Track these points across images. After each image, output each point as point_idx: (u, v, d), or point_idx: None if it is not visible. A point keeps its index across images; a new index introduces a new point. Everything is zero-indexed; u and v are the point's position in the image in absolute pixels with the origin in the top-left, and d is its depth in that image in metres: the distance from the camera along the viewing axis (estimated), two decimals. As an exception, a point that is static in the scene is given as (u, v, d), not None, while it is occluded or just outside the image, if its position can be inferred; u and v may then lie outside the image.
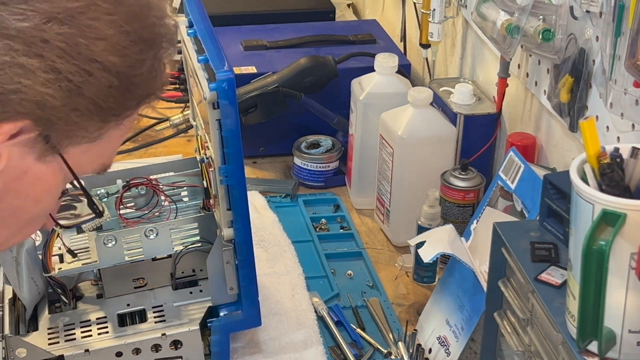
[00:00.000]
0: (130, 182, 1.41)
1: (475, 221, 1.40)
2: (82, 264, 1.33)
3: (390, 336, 1.42)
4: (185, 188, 1.46)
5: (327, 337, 1.42)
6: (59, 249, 1.36)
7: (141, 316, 1.33)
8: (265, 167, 1.88)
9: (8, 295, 1.34)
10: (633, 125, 1.25)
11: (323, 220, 1.70)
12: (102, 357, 1.27)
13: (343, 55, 1.86)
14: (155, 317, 1.32)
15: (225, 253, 1.27)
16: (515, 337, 1.10)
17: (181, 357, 1.29)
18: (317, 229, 1.68)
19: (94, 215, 1.08)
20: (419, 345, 1.39)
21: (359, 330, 1.44)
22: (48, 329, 1.31)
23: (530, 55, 1.52)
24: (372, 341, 1.41)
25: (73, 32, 0.81)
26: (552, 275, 1.02)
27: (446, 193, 1.54)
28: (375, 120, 1.65)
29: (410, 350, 1.38)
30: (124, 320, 1.33)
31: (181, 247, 1.35)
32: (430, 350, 1.39)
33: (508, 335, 1.12)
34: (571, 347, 0.94)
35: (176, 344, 1.29)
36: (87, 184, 1.41)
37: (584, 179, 0.91)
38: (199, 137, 1.42)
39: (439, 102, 1.67)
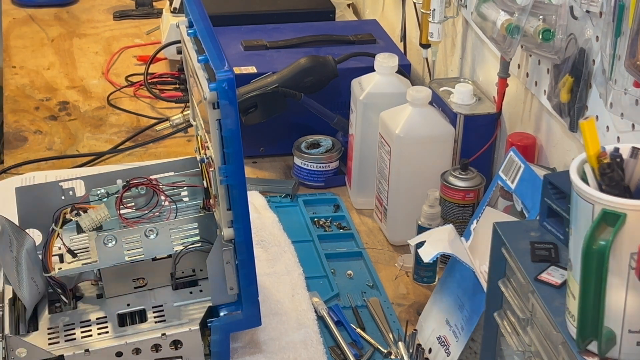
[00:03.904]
0: (130, 182, 1.41)
1: (475, 221, 1.40)
2: (82, 264, 1.33)
3: (390, 336, 1.42)
4: (185, 188, 1.46)
5: (327, 337, 1.42)
6: (59, 249, 1.36)
7: (141, 316, 1.33)
8: (265, 167, 1.88)
9: (8, 295, 1.34)
10: (633, 125, 1.25)
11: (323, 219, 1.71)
12: (102, 357, 1.27)
13: (343, 55, 1.86)
14: (155, 317, 1.32)
15: (225, 253, 1.27)
16: (515, 337, 1.10)
17: (181, 357, 1.29)
18: (318, 225, 1.69)
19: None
20: (419, 345, 1.39)
21: (359, 330, 1.44)
22: (48, 329, 1.31)
23: (530, 55, 1.52)
24: (372, 341, 1.41)
25: None
26: (552, 275, 1.02)
27: (446, 193, 1.54)
28: (375, 120, 1.64)
29: (410, 350, 1.38)
30: (124, 320, 1.33)
31: (181, 247, 1.35)
32: (430, 350, 1.39)
33: (508, 335, 1.12)
34: (571, 347, 0.94)
35: (176, 344, 1.29)
36: (87, 184, 1.42)
37: (584, 179, 0.91)
38: (199, 137, 1.42)
39: (439, 102, 1.67)
